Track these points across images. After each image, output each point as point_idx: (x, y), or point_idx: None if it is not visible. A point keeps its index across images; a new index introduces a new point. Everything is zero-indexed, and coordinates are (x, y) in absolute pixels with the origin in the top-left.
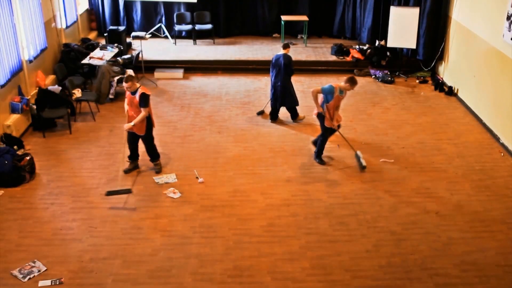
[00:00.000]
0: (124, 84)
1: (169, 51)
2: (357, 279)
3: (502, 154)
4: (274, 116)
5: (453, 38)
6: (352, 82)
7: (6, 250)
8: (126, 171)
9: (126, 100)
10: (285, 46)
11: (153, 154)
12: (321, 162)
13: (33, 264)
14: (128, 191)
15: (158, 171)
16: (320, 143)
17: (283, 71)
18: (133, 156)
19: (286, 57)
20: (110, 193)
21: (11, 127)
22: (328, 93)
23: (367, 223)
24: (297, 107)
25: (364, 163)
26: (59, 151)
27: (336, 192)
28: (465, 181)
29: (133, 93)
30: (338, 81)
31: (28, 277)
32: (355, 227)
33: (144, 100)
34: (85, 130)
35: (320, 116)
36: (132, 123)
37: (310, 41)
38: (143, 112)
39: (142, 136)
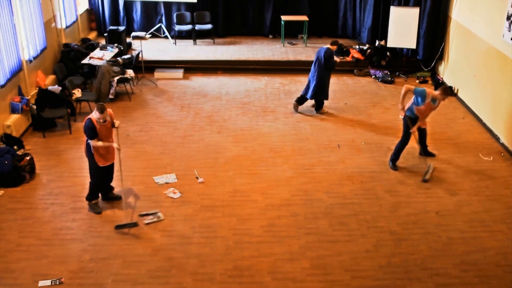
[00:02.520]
0: (101, 116)
1: (169, 51)
2: (357, 279)
3: (502, 154)
4: (300, 102)
5: (453, 38)
6: (444, 92)
7: (6, 250)
8: (99, 212)
9: (98, 136)
10: (333, 43)
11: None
12: (394, 167)
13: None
14: (134, 225)
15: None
16: (398, 147)
17: (323, 65)
18: (109, 189)
19: (328, 51)
20: (118, 227)
21: (11, 127)
22: (419, 95)
23: (367, 223)
24: (324, 101)
25: (427, 176)
26: (59, 151)
27: (336, 192)
28: (465, 181)
29: (104, 120)
30: (338, 81)
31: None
32: (355, 227)
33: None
34: None
35: (406, 119)
36: (116, 146)
37: (310, 41)
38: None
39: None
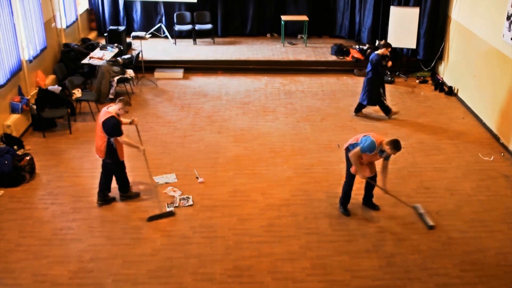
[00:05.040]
0: (128, 108)
1: (169, 51)
2: (357, 279)
3: (502, 154)
4: (358, 109)
5: (453, 38)
6: (395, 148)
7: (6, 250)
8: (139, 194)
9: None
10: (384, 45)
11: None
12: (344, 211)
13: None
14: (170, 214)
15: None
16: (342, 189)
17: (370, 69)
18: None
19: (376, 57)
20: (151, 218)
21: (11, 127)
22: (367, 150)
23: (367, 223)
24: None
25: (430, 222)
26: (59, 151)
27: (336, 192)
28: (465, 181)
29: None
30: (338, 81)
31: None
32: (355, 227)
33: None
34: (85, 130)
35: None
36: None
37: (310, 41)
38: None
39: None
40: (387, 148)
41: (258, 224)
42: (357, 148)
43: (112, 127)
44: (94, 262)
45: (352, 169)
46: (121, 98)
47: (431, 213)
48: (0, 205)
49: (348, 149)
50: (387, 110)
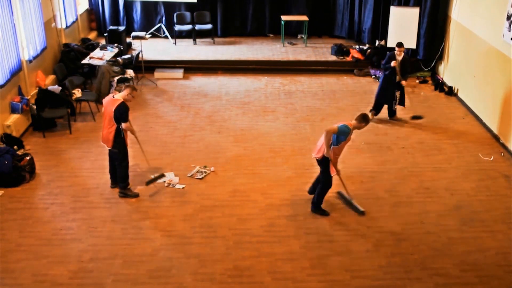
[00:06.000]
0: (135, 93)
1: (169, 51)
2: (357, 279)
3: (502, 154)
4: (391, 114)
5: (453, 38)
6: (366, 121)
7: (6, 250)
8: (137, 195)
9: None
10: (397, 45)
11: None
12: (323, 213)
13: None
14: (162, 176)
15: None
16: (319, 194)
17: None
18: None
19: (387, 55)
20: (149, 183)
21: (11, 127)
22: (343, 133)
23: (367, 223)
24: (394, 108)
25: (360, 208)
26: (59, 151)
27: (336, 192)
28: (465, 181)
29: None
30: (338, 81)
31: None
32: (355, 227)
33: None
34: (85, 130)
35: (325, 162)
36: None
37: (310, 41)
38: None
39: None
40: (362, 125)
41: (258, 224)
42: (334, 127)
43: (125, 112)
44: (94, 262)
45: (326, 153)
46: (127, 84)
47: (431, 213)
48: (0, 205)
49: (324, 158)
50: (391, 113)
